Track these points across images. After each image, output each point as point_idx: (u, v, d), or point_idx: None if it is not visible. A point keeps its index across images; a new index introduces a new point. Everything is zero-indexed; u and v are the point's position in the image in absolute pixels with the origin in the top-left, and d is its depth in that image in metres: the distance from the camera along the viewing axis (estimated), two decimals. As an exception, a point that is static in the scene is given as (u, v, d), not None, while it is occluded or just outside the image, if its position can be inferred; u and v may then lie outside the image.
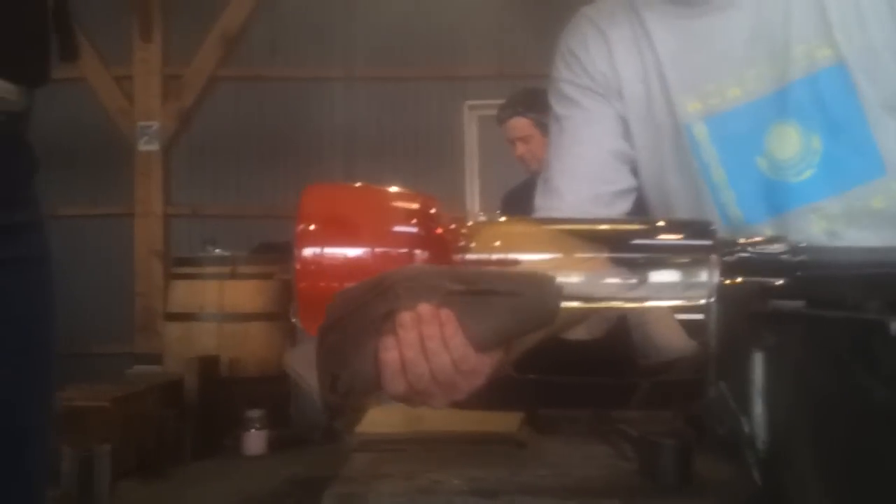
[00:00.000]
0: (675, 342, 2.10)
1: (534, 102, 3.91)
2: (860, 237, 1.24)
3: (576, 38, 1.43)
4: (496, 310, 0.86)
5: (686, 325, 1.88)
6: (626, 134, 1.37)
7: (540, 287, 0.87)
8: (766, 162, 1.27)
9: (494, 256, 0.89)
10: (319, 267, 0.88)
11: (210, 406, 4.76)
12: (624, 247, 0.92)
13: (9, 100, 1.18)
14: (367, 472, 1.30)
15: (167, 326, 5.26)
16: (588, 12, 1.44)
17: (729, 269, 0.93)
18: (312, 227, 0.89)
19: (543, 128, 3.88)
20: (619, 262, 0.91)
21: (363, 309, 0.85)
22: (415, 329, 0.84)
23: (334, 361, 0.87)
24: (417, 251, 0.89)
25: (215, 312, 5.04)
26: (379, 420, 1.52)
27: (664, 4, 1.33)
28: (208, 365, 4.83)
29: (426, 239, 0.90)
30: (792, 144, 1.26)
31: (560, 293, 0.87)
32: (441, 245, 0.90)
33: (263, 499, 4.01)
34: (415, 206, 0.93)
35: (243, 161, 6.31)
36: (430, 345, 0.85)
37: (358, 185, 0.98)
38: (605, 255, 0.91)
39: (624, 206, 1.42)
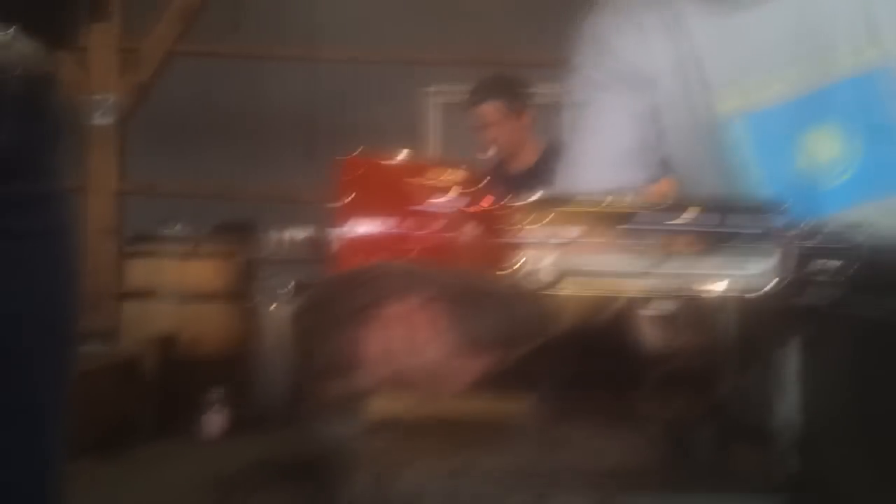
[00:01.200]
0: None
1: (505, 88, 3.92)
2: None
3: (605, 23, 1.39)
4: (489, 315, 0.84)
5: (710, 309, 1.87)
6: (655, 127, 1.35)
7: (533, 302, 0.85)
8: (803, 163, 1.26)
9: (550, 235, 0.86)
10: (359, 245, 0.84)
11: (169, 386, 4.69)
12: (689, 224, 0.89)
13: (31, 60, 1.13)
14: (389, 454, 1.29)
15: (123, 305, 5.17)
16: None
17: (804, 253, 0.91)
18: (352, 200, 0.85)
19: (514, 114, 3.88)
20: (681, 241, 0.88)
21: (347, 296, 0.83)
22: (401, 322, 0.82)
23: (309, 340, 0.85)
24: (467, 228, 0.85)
25: (175, 291, 4.97)
26: (388, 402, 1.50)
27: None
28: (167, 344, 4.76)
29: (476, 215, 0.86)
30: (831, 146, 1.24)
31: (557, 310, 0.85)
32: (491, 222, 0.86)
33: (227, 481, 3.96)
34: (463, 179, 0.89)
35: (201, 139, 6.23)
36: (415, 340, 0.83)
37: (401, 155, 0.95)
38: (667, 232, 0.88)
39: None
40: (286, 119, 6.25)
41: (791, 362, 1.23)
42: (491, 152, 4.01)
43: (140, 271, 5.11)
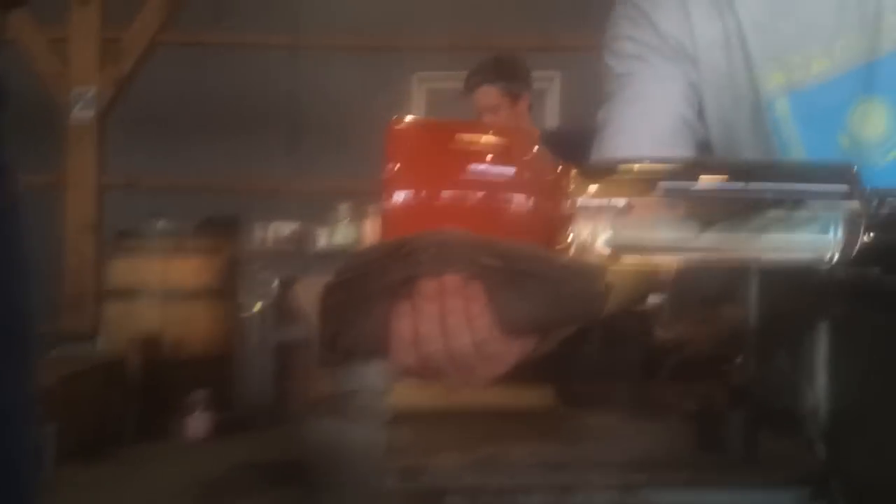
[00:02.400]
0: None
1: (503, 70, 3.88)
2: None
3: None
4: (533, 295, 0.79)
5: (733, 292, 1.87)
6: (695, 103, 1.33)
7: (587, 279, 0.80)
8: (848, 140, 1.25)
9: (610, 202, 0.81)
10: (407, 213, 0.79)
11: (153, 387, 4.67)
12: (749, 189, 0.83)
13: None
14: (419, 444, 1.28)
15: (106, 304, 5.14)
16: None
17: (876, 224, 0.84)
18: (401, 168, 0.79)
19: (512, 97, 3.84)
20: (741, 208, 0.83)
21: (379, 271, 0.78)
22: (436, 300, 0.77)
23: (337, 319, 0.81)
24: (521, 196, 0.80)
25: (158, 290, 4.94)
26: (408, 393, 1.50)
27: None
28: (151, 345, 4.74)
29: (531, 182, 0.81)
30: (877, 123, 1.23)
31: (608, 289, 0.81)
32: (547, 190, 0.81)
33: (215, 483, 3.95)
34: (517, 143, 0.84)
35: (183, 131, 6.21)
36: (450, 321, 0.78)
37: (450, 120, 0.92)
38: (727, 198, 0.83)
39: None
40: (270, 109, 6.23)
41: (821, 345, 1.24)
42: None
43: (122, 269, 5.07)
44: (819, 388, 1.26)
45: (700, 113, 1.33)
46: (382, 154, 0.80)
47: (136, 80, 6.05)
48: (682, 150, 1.32)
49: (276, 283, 4.94)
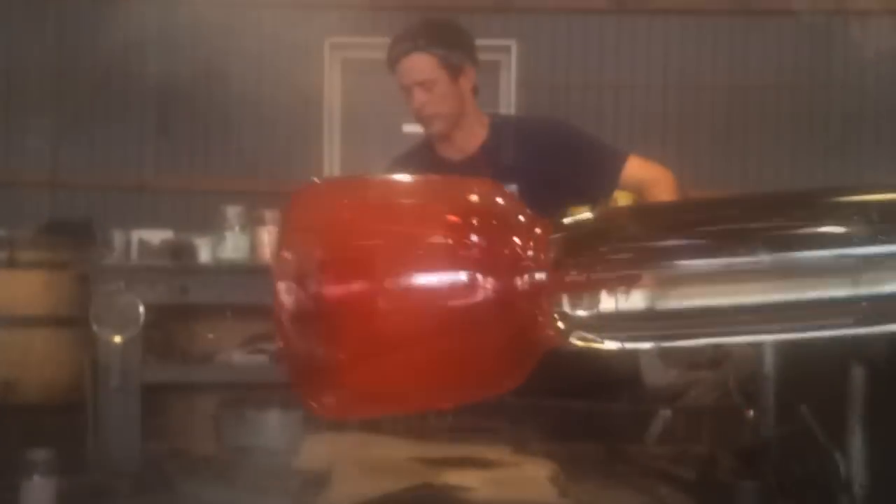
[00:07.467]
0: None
1: (440, 36, 3.79)
2: None
3: None
4: None
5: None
6: None
7: None
8: None
9: (609, 275, 0.74)
10: (315, 320, 0.73)
11: (-24, 444, 4.63)
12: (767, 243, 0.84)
13: None
14: None
15: (-87, 333, 5.09)
16: None
17: None
18: (305, 254, 0.73)
19: (452, 70, 3.76)
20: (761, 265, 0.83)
21: None
22: None
23: None
24: (478, 276, 0.73)
25: (-16, 315, 4.91)
26: (323, 450, 1.53)
27: None
28: (-25, 387, 4.70)
29: (487, 256, 0.73)
30: None
31: None
32: (511, 264, 0.73)
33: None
34: (472, 199, 0.77)
35: (12, 110, 6.14)
36: None
37: (375, 177, 0.86)
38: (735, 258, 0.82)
39: None
40: (133, 79, 6.18)
41: (857, 397, 1.29)
42: (423, 127, 3.87)
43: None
44: (854, 451, 1.31)
45: None
46: (281, 232, 0.77)
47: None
48: None
49: (141, 308, 4.90)
